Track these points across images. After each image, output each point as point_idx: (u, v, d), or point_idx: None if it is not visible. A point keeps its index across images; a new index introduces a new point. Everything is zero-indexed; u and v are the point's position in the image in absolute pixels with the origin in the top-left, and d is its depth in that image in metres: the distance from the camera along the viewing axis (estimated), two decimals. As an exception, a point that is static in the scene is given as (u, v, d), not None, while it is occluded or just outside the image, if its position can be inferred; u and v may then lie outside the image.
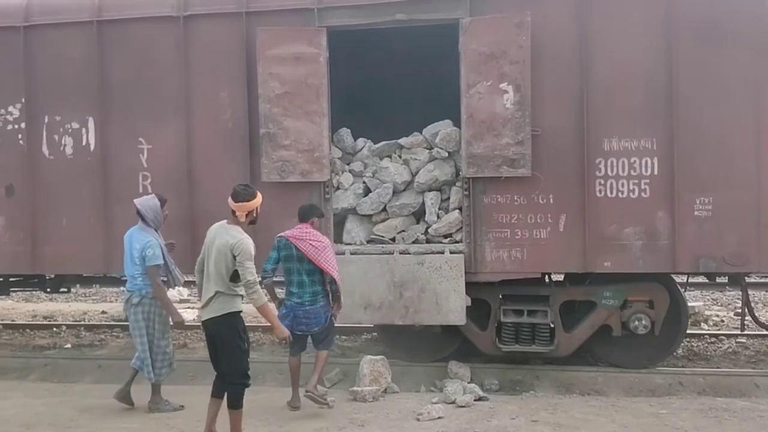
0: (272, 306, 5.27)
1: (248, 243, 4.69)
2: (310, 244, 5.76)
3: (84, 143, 7.33)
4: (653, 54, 6.45)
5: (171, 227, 6.88)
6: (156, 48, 7.15)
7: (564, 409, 5.86)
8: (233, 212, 4.73)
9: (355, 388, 6.27)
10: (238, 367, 4.80)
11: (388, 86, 8.58)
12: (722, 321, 9.68)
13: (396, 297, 6.70)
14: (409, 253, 6.76)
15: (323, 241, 5.85)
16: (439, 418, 5.58)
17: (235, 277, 4.69)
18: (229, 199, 4.74)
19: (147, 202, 5.67)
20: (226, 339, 4.78)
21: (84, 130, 7.32)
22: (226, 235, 4.68)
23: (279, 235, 5.90)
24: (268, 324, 4.99)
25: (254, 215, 4.80)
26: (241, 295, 4.80)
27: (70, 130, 7.36)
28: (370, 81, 8.50)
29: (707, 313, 9.97)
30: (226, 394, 4.84)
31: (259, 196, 4.84)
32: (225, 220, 4.85)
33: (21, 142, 7.46)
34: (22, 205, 7.44)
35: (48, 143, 7.39)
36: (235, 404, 4.80)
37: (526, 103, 6.46)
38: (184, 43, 7.07)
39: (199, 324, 5.44)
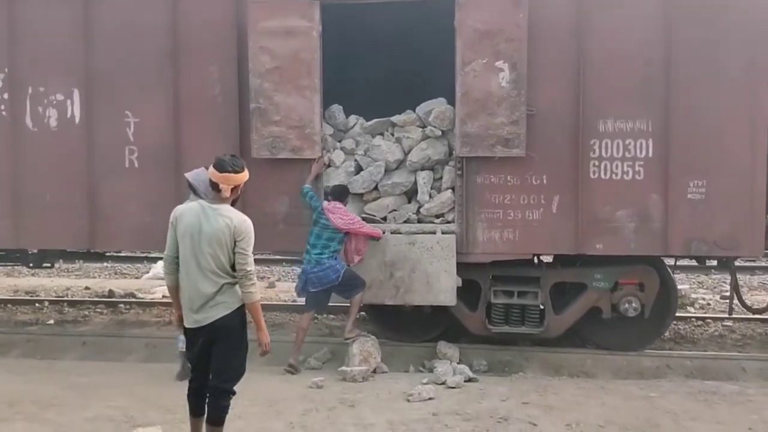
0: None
1: (251, 225, 4.08)
2: (339, 217, 6.30)
3: (69, 115, 7.15)
4: (651, 34, 6.40)
5: (157, 204, 6.85)
6: (145, 20, 6.98)
7: (554, 390, 5.85)
8: (215, 187, 4.05)
9: (344, 368, 6.24)
10: (240, 369, 4.19)
11: (379, 64, 8.50)
12: (708, 304, 9.71)
13: (387, 276, 6.68)
14: (400, 233, 6.73)
15: (351, 216, 6.45)
16: (429, 399, 5.55)
17: (233, 266, 4.06)
18: (211, 170, 4.05)
19: (199, 175, 5.42)
20: (235, 337, 4.11)
21: (69, 101, 7.13)
22: (218, 218, 3.99)
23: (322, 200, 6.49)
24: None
25: (239, 192, 4.16)
26: None
27: (54, 102, 7.16)
28: (361, 57, 8.42)
29: (693, 296, 10.00)
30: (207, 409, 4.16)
31: (246, 170, 4.26)
32: (198, 200, 4.29)
33: (4, 113, 7.27)
34: (4, 177, 7.27)
35: (32, 115, 7.19)
36: (222, 419, 4.14)
37: (522, 82, 6.40)
38: (173, 15, 6.92)
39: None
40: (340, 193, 6.61)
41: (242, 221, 4.05)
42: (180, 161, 6.92)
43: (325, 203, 6.45)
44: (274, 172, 6.75)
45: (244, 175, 4.13)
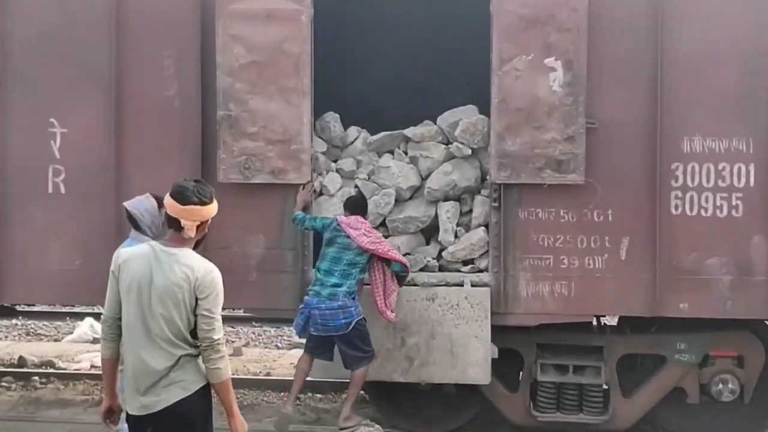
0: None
1: (219, 278, 3.99)
2: (363, 233, 6.33)
3: (-31, 125, 7.04)
4: (757, 29, 6.35)
5: (90, 243, 6.78)
6: (77, -2, 6.96)
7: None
8: (173, 224, 3.99)
9: (339, 469, 6.08)
10: None
11: (389, 61, 8.53)
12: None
13: (396, 344, 6.63)
14: (415, 285, 6.67)
15: (376, 233, 6.49)
16: None
17: (194, 332, 3.98)
18: (168, 201, 3.99)
19: (141, 203, 5.37)
20: (196, 429, 4.01)
21: (-31, 106, 7.02)
22: (175, 266, 3.92)
23: (333, 216, 6.54)
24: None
25: (205, 230, 4.11)
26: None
27: (-47, 107, 7.05)
28: (365, 52, 8.54)
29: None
30: None
31: (215, 201, 4.18)
32: (150, 241, 4.23)
33: None
34: None
35: None
36: None
37: (580, 86, 6.34)
38: (116, -9, 6.91)
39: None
40: (359, 205, 6.59)
41: (207, 272, 3.96)
42: (122, 186, 6.78)
43: (341, 218, 6.46)
44: (248, 201, 6.70)
45: (213, 208, 4.06)
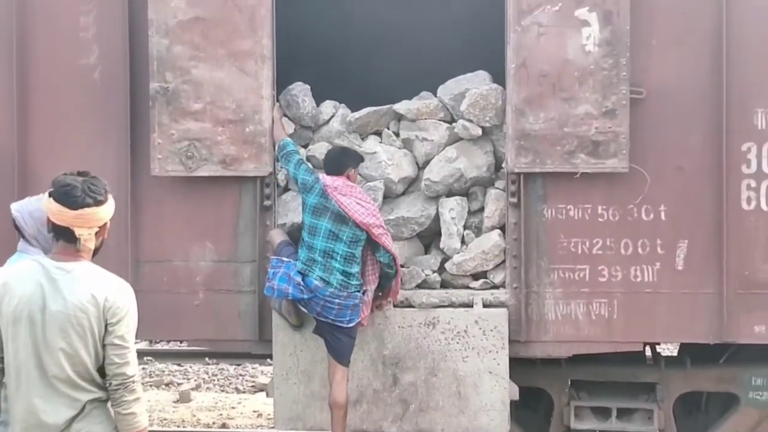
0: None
1: (133, 297, 4.07)
2: (356, 202, 6.25)
3: None
4: None
5: None
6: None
7: None
8: (67, 235, 4.00)
9: None
10: None
11: (374, 17, 8.74)
12: None
13: (386, 383, 6.64)
14: (411, 306, 6.66)
15: (372, 203, 6.46)
16: None
17: (101, 369, 4.00)
18: (54, 207, 3.99)
19: (28, 204, 5.30)
20: None
21: None
22: (76, 287, 3.94)
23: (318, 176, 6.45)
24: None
25: (105, 236, 4.17)
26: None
27: None
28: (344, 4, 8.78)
29: None
30: None
31: (111, 197, 4.24)
32: (38, 257, 4.19)
33: None
34: None
35: None
36: None
37: (622, 45, 6.39)
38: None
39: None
40: (340, 161, 6.49)
41: (118, 290, 4.03)
42: (27, 182, 6.83)
43: (327, 179, 6.35)
44: (192, 200, 6.78)
45: (111, 205, 4.13)
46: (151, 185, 6.61)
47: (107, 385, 3.97)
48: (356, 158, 6.58)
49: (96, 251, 4.13)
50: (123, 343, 3.95)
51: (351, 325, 6.35)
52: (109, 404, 4.00)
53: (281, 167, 6.80)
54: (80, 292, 3.91)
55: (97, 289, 3.93)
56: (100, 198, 4.00)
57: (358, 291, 6.32)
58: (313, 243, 6.30)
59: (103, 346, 3.94)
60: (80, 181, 3.98)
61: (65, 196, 3.93)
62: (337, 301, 6.22)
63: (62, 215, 3.94)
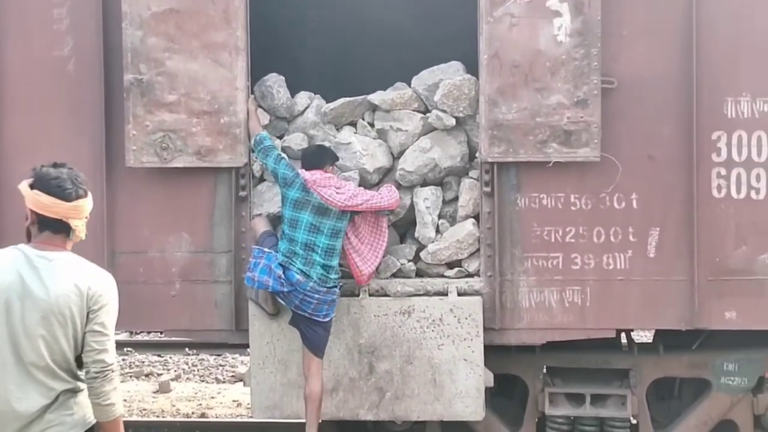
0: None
1: (114, 286, 4.10)
2: (336, 191, 6.36)
3: None
4: None
5: None
6: None
7: None
8: (57, 227, 4.02)
9: None
10: None
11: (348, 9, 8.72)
12: None
13: (362, 372, 6.66)
14: (386, 295, 6.69)
15: (348, 185, 6.56)
16: None
17: (79, 358, 4.00)
18: (48, 201, 3.99)
19: None
20: None
21: None
22: (60, 275, 3.94)
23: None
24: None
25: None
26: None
27: None
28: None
29: None
30: None
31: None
32: (17, 245, 4.10)
33: None
34: None
35: None
36: None
37: (593, 35, 6.38)
38: None
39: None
40: (318, 157, 6.59)
41: (101, 279, 4.06)
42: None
43: (305, 174, 6.43)
44: (167, 191, 6.77)
45: (90, 198, 4.19)
46: (126, 177, 6.60)
47: (85, 373, 3.96)
48: (333, 157, 6.66)
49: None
50: (103, 330, 3.96)
51: (327, 319, 6.42)
52: (81, 395, 4.00)
53: (256, 159, 6.82)
54: (63, 281, 3.92)
55: (80, 279, 3.95)
56: (85, 187, 4.07)
57: (336, 286, 6.39)
58: (294, 236, 6.37)
59: (84, 334, 3.94)
60: (66, 173, 4.03)
61: (58, 188, 3.96)
62: (316, 296, 6.29)
63: (57, 208, 3.96)
